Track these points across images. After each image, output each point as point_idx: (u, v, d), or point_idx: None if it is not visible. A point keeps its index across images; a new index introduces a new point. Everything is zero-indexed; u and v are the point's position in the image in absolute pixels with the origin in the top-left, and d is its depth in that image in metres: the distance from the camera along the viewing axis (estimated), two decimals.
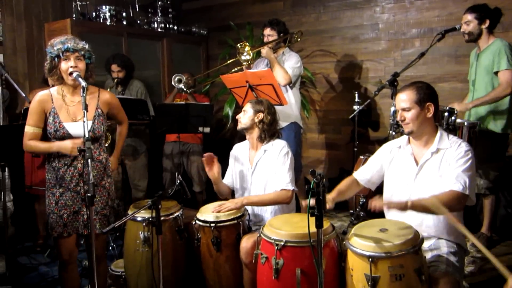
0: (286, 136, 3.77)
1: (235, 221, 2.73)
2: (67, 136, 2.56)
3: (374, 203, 2.18)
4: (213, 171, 2.96)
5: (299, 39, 4.27)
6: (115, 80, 4.28)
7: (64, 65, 2.52)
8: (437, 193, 2.23)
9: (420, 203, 2.16)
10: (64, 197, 2.60)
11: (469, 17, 3.45)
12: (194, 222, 2.81)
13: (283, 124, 3.83)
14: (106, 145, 2.86)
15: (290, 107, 3.95)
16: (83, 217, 2.62)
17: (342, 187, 2.58)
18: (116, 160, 3.02)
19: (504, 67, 3.30)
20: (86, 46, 2.60)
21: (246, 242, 2.62)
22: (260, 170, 2.94)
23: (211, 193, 3.34)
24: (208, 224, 2.69)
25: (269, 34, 4.09)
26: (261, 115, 2.92)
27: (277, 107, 3.14)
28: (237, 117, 3.02)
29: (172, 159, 4.76)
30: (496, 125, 3.44)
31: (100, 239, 2.76)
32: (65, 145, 2.50)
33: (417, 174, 2.37)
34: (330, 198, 2.42)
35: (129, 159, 4.42)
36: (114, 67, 4.28)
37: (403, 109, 2.34)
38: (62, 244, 2.64)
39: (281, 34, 4.11)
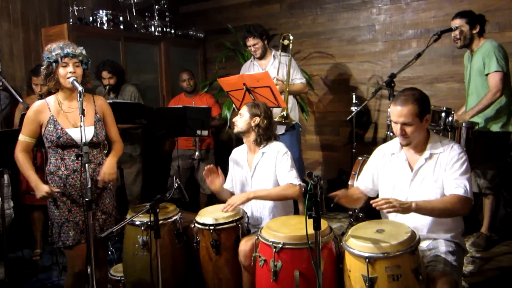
0: (289, 138, 3.99)
1: (234, 224, 2.73)
2: (70, 141, 2.55)
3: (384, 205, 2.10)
4: (215, 183, 2.97)
5: (288, 41, 4.22)
6: (107, 87, 4.27)
7: (62, 71, 2.52)
8: (441, 198, 2.25)
9: (425, 205, 2.16)
10: (76, 204, 2.59)
11: (459, 22, 3.46)
12: (193, 225, 2.81)
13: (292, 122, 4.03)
14: (105, 151, 2.84)
15: (290, 108, 4.03)
16: (98, 221, 2.64)
17: (351, 191, 2.59)
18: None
19: (493, 69, 3.30)
20: (84, 52, 2.60)
21: (244, 245, 2.62)
22: (259, 173, 2.94)
23: (214, 196, 3.39)
24: (207, 227, 2.69)
25: (254, 43, 4.11)
26: (257, 119, 2.91)
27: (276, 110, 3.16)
28: (233, 120, 3.03)
29: (180, 163, 4.77)
30: (494, 124, 3.44)
31: (102, 242, 2.78)
32: (41, 188, 2.48)
33: (412, 180, 2.37)
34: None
35: (125, 166, 4.42)
36: (105, 74, 4.26)
37: (404, 124, 2.28)
38: (77, 252, 2.61)
39: (264, 37, 4.14)
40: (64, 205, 2.58)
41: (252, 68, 4.29)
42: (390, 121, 3.46)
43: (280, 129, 4.09)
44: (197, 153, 4.50)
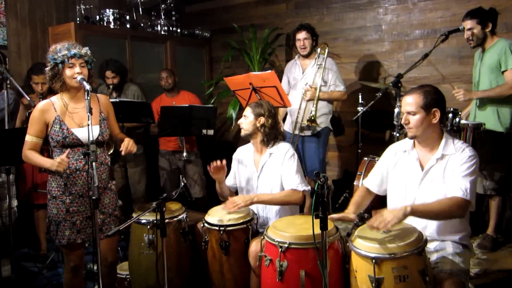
0: (315, 142, 4.11)
1: (245, 225, 2.71)
2: (76, 141, 2.56)
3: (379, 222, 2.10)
4: (219, 175, 2.99)
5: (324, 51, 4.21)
6: (111, 86, 4.28)
7: (69, 72, 2.51)
8: (438, 199, 2.23)
9: (420, 208, 2.16)
10: (75, 204, 2.59)
11: (471, 23, 3.43)
12: (202, 225, 2.80)
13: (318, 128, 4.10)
14: (109, 152, 2.84)
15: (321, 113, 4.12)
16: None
17: (357, 198, 2.56)
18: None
19: (511, 66, 3.29)
20: (89, 52, 2.61)
21: (255, 246, 2.59)
22: (266, 173, 2.93)
23: (212, 198, 3.33)
24: (216, 228, 2.68)
25: (306, 37, 4.17)
26: (262, 119, 2.90)
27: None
28: (238, 122, 3.01)
29: (171, 166, 4.75)
30: (501, 125, 3.43)
31: (112, 244, 2.75)
32: (53, 161, 2.48)
33: (422, 180, 2.35)
34: (350, 212, 2.43)
35: (130, 165, 4.42)
36: (109, 74, 4.27)
37: (408, 113, 2.31)
38: (73, 250, 2.63)
39: (314, 38, 4.21)
40: (63, 204, 2.58)
41: (294, 68, 4.33)
42: (397, 121, 3.49)
43: (307, 132, 4.15)
44: (184, 154, 4.33)
